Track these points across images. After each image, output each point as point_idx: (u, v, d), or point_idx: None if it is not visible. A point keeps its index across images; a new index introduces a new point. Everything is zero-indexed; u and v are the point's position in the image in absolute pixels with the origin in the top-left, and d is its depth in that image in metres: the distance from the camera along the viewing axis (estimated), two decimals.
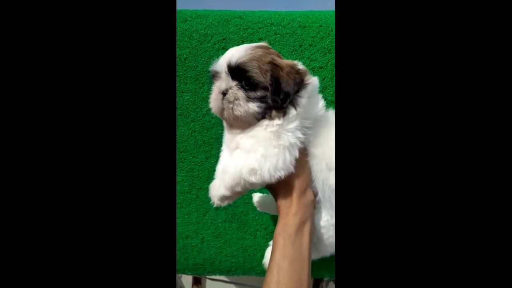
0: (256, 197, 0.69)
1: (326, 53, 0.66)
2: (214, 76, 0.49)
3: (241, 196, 0.49)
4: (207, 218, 0.72)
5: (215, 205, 0.49)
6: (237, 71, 0.46)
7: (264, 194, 0.68)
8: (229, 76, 0.47)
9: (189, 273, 0.77)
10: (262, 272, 0.71)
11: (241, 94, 0.46)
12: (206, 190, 0.51)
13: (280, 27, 0.66)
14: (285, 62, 0.49)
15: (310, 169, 0.50)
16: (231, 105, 0.46)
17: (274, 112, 0.46)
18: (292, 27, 0.66)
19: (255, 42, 0.67)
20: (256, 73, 0.45)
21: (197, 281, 1.13)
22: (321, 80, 0.66)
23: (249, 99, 0.46)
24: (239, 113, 0.46)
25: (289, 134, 0.46)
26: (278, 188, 0.48)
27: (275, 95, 0.45)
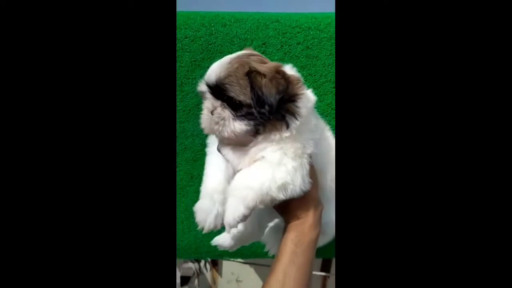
0: (231, 233, 0.60)
1: None
2: (202, 95, 0.47)
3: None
4: None
5: (227, 230, 0.46)
6: (217, 91, 0.44)
7: (238, 228, 0.59)
8: (212, 95, 0.45)
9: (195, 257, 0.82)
10: (263, 255, 0.74)
11: (227, 113, 0.44)
12: None
13: (318, 32, 0.68)
14: (267, 66, 0.45)
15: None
16: (216, 126, 0.44)
17: (270, 125, 0.44)
18: (329, 31, 0.68)
19: (293, 46, 0.68)
20: (235, 91, 0.43)
21: (214, 264, 1.20)
22: None
23: (235, 117, 0.44)
24: (226, 134, 0.44)
25: (304, 145, 0.46)
26: (295, 200, 0.47)
27: (259, 108, 0.43)
